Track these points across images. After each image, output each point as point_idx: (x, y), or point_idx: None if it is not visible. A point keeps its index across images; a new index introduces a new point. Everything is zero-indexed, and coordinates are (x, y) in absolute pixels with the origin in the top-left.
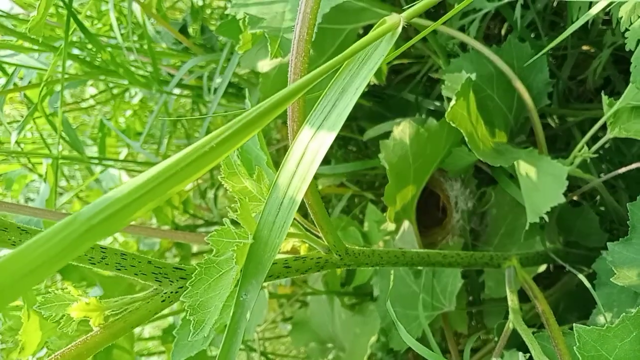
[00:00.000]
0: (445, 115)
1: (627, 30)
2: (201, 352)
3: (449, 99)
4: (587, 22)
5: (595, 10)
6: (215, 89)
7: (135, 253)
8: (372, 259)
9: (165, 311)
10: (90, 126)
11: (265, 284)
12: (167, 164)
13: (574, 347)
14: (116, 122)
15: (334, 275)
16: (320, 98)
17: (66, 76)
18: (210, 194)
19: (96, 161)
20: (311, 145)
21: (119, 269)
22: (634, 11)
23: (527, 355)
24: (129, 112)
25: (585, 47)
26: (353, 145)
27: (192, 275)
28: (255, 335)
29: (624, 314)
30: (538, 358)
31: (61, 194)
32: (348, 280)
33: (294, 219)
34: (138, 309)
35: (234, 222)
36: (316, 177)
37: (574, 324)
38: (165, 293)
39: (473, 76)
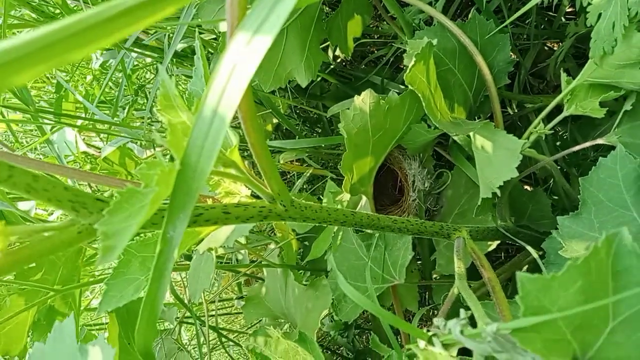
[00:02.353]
0: (404, 77)
1: (589, 4)
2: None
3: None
4: (550, 15)
5: None
6: (180, 52)
7: (50, 177)
8: (320, 214)
9: None
10: (50, 92)
11: (219, 252)
12: (66, 22)
13: (516, 297)
14: (76, 89)
15: (290, 250)
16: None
17: (15, 22)
18: None
19: (49, 118)
20: (244, 52)
21: (29, 191)
22: None
23: (469, 312)
24: (89, 78)
25: (548, 40)
26: (319, 127)
27: (111, 204)
28: (205, 304)
29: (569, 261)
30: (480, 318)
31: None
32: (304, 257)
33: (236, 164)
34: (50, 238)
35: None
36: (279, 151)
37: (516, 272)
38: (83, 225)
39: (434, 41)
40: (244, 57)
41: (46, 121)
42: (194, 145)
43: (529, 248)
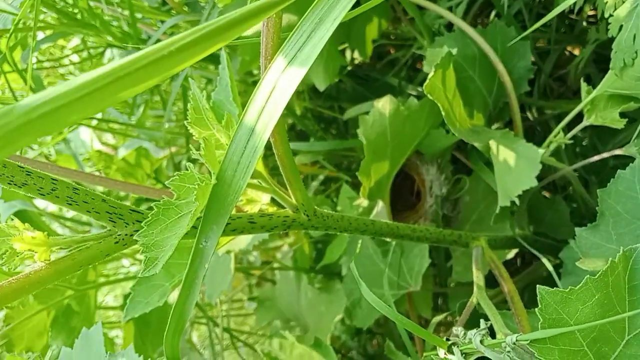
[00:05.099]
0: (424, 87)
1: (611, 15)
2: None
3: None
4: (572, 19)
5: None
6: None
7: (89, 189)
8: (341, 223)
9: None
10: None
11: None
12: (120, 63)
13: (536, 310)
14: None
15: (303, 253)
16: (295, 28)
17: (41, 25)
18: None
19: None
20: (282, 79)
21: (70, 204)
22: None
23: (489, 322)
24: None
25: (568, 45)
26: (334, 128)
27: (149, 215)
28: (219, 305)
29: (587, 276)
30: (499, 329)
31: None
32: (317, 261)
33: (262, 174)
34: (89, 248)
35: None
36: (294, 153)
37: (537, 285)
38: (120, 235)
39: (454, 51)
40: (281, 83)
41: None
42: (231, 162)
43: (544, 261)
